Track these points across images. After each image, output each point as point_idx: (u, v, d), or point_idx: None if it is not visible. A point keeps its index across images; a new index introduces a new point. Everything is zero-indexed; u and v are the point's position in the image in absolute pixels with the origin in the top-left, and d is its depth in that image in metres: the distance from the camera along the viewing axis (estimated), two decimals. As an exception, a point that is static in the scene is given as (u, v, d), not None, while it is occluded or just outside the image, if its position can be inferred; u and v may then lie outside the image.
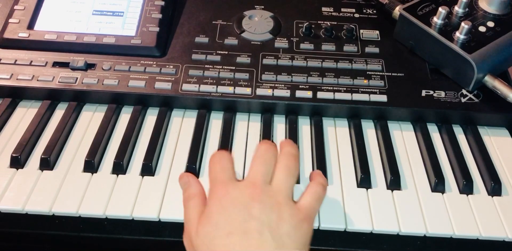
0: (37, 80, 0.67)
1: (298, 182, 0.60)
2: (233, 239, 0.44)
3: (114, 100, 0.69)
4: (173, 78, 0.68)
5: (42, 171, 0.61)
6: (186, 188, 0.52)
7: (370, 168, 0.62)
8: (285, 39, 0.74)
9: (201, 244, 0.45)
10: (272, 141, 0.66)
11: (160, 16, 0.73)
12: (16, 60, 0.69)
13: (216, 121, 0.68)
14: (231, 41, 0.73)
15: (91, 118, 0.68)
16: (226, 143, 0.64)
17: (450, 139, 0.67)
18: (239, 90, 0.67)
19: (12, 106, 0.69)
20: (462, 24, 0.66)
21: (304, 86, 0.68)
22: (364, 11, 0.78)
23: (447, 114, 0.68)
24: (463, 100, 0.68)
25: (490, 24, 0.69)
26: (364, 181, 0.60)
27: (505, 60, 0.69)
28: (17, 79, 0.67)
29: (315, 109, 0.68)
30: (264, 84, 0.68)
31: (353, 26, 0.74)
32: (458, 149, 0.65)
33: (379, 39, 0.75)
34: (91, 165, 0.61)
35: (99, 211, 0.56)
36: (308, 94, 0.67)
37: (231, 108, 0.69)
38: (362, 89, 0.68)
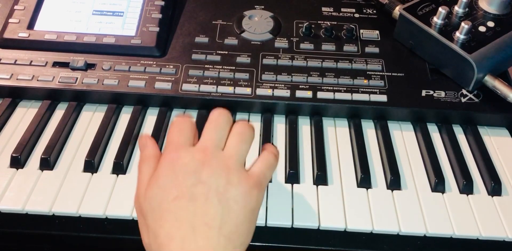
0: (37, 80, 0.67)
1: (297, 174, 0.60)
2: (180, 203, 0.43)
3: (114, 100, 0.69)
4: (173, 78, 0.68)
5: (42, 171, 0.61)
6: (142, 150, 0.51)
7: (370, 168, 0.62)
8: (285, 39, 0.74)
9: (149, 207, 0.45)
10: (272, 142, 0.66)
11: (160, 16, 0.73)
12: (16, 60, 0.69)
13: (216, 121, 0.68)
14: (231, 41, 0.73)
15: (91, 118, 0.68)
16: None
17: (450, 139, 0.67)
18: (239, 90, 0.67)
19: (12, 106, 0.69)
20: (462, 24, 0.66)
21: (304, 86, 0.68)
22: (364, 11, 0.78)
23: (447, 114, 0.68)
24: (463, 100, 0.68)
25: (490, 24, 0.69)
26: (364, 181, 0.60)
27: (505, 60, 0.69)
28: (17, 79, 0.67)
29: (315, 109, 0.68)
30: (264, 84, 0.68)
31: (353, 26, 0.74)
32: (458, 149, 0.65)
33: (379, 39, 0.75)
34: (91, 165, 0.61)
35: (99, 211, 0.56)
36: (308, 94, 0.67)
37: (231, 108, 0.68)
38: (362, 89, 0.68)
